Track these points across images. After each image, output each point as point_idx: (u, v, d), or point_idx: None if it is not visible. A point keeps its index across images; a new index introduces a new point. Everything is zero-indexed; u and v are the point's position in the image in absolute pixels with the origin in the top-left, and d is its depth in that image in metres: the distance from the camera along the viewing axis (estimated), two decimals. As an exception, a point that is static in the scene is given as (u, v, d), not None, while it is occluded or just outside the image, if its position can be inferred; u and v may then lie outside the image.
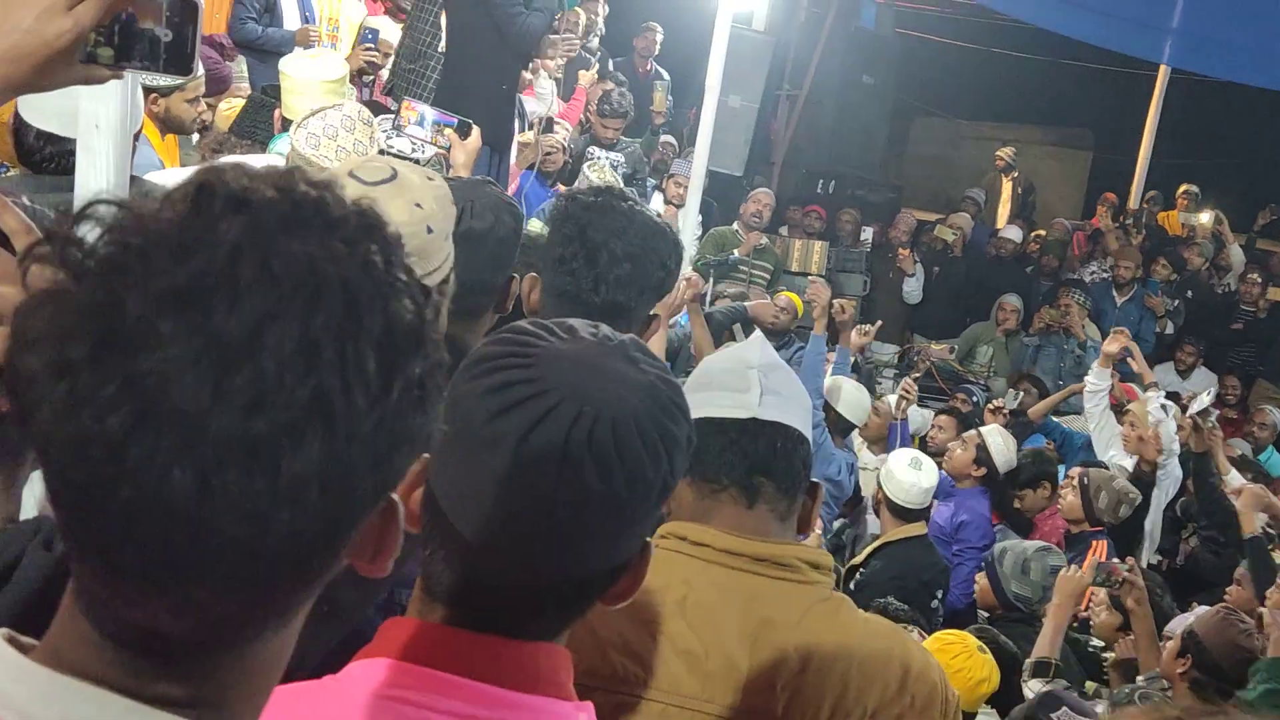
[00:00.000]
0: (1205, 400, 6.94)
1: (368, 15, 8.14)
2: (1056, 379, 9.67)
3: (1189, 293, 11.66)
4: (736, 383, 1.89)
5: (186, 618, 0.80)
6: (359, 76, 6.89)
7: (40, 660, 0.84)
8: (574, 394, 1.16)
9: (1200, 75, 12.13)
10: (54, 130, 2.66)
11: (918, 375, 9.00)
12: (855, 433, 7.24)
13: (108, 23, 1.46)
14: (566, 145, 8.47)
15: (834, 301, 7.00)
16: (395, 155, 3.87)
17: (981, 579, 5.41)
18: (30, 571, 1.32)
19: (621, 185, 7.08)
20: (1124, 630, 4.94)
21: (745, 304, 7.81)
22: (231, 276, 0.75)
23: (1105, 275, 11.47)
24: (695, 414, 1.86)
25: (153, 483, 0.74)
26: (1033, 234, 12.72)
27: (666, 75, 11.19)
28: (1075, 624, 5.06)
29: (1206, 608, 4.98)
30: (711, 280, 8.17)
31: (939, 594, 5.35)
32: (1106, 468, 6.61)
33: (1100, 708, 3.97)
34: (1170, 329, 11.20)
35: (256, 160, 3.62)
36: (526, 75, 7.96)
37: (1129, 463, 6.96)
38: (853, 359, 7.38)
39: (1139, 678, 4.57)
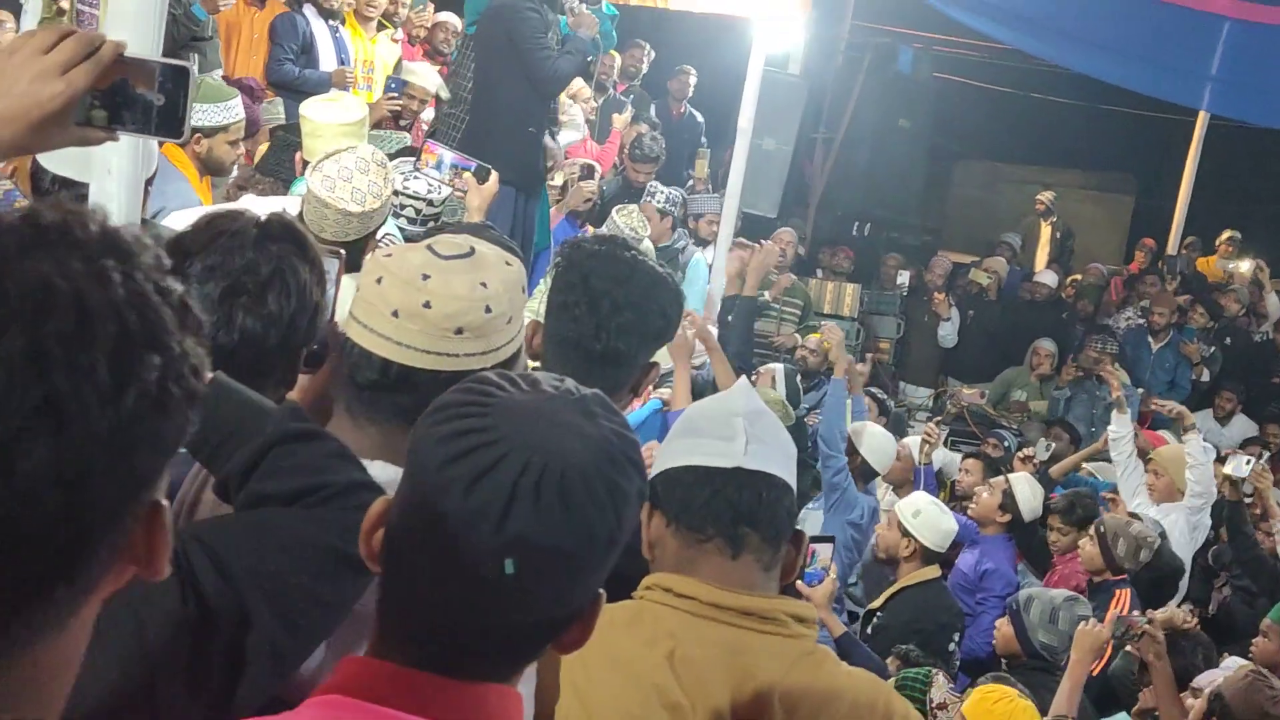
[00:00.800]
0: (1244, 468, 6.92)
1: (403, 59, 8.25)
2: (1089, 426, 9.61)
3: (1226, 340, 11.57)
4: (722, 430, 1.90)
5: None
6: (395, 121, 6.98)
7: None
8: (524, 445, 1.19)
9: (1239, 122, 12.07)
10: (69, 175, 2.73)
11: (941, 419, 8.97)
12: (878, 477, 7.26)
13: (103, 87, 1.53)
14: (601, 188, 8.55)
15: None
16: (410, 196, 3.93)
17: (1004, 625, 5.32)
18: None
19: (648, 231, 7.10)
20: (1145, 681, 4.90)
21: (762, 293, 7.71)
22: None
23: (1141, 321, 11.41)
24: (680, 461, 1.90)
25: None
26: (1069, 279, 12.68)
27: (701, 118, 11.27)
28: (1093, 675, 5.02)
29: (1237, 660, 4.95)
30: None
31: (956, 637, 5.34)
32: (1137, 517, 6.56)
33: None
34: (1206, 376, 11.11)
35: (277, 202, 3.69)
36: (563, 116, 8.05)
37: (1154, 511, 6.92)
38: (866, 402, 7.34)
39: None
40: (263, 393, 1.87)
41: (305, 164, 4.56)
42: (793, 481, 1.94)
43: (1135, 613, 5.16)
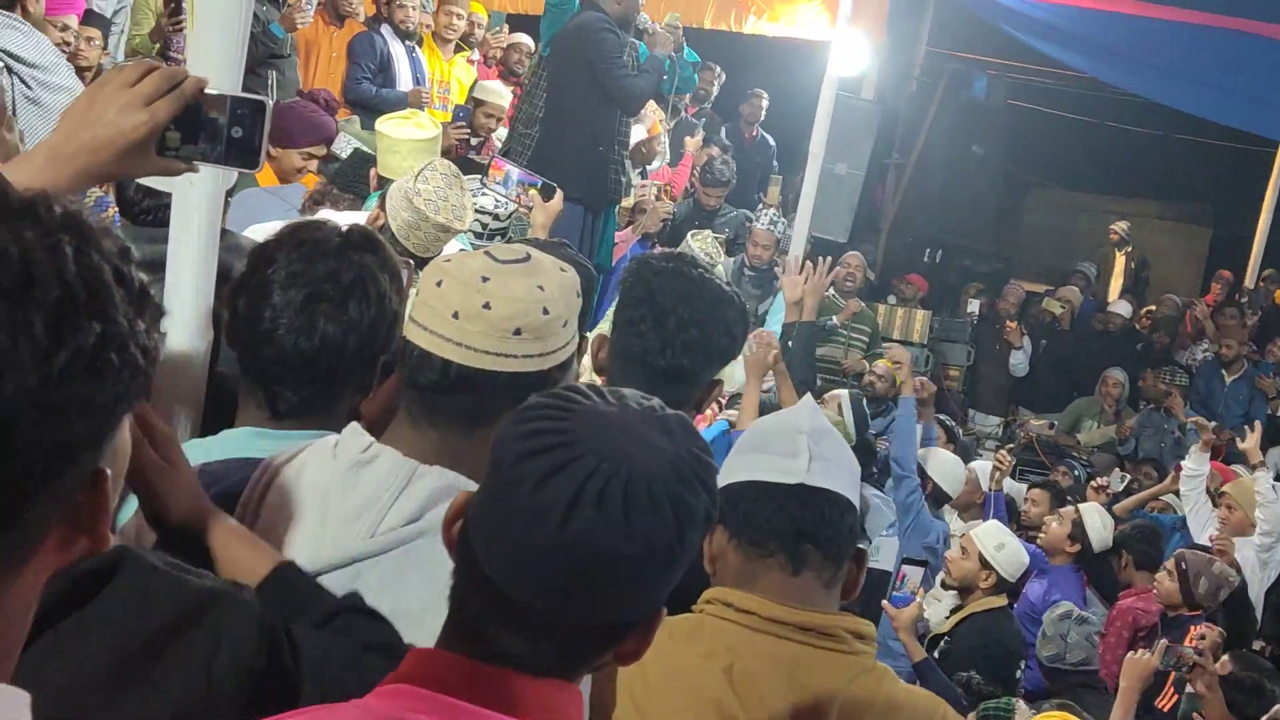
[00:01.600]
0: None
1: (479, 79, 8.33)
2: (1158, 460, 9.49)
3: (1305, 374, 11.38)
4: (786, 447, 1.91)
5: None
6: (465, 145, 7.05)
7: None
8: (596, 451, 1.21)
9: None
10: (153, 185, 2.78)
11: (1013, 446, 8.89)
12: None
13: (184, 119, 1.62)
14: (672, 211, 8.58)
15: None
16: (477, 210, 3.98)
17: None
18: None
19: (722, 258, 7.12)
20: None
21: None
22: None
23: (1214, 353, 11.25)
24: (744, 476, 1.90)
25: None
26: (1144, 310, 12.54)
27: (773, 142, 11.27)
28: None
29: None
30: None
31: (1021, 665, 5.31)
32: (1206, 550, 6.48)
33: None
34: (1283, 411, 10.93)
35: (351, 216, 3.76)
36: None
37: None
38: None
39: None
40: (340, 399, 1.90)
41: (380, 179, 4.63)
42: (856, 500, 1.94)
43: (1188, 644, 5.09)
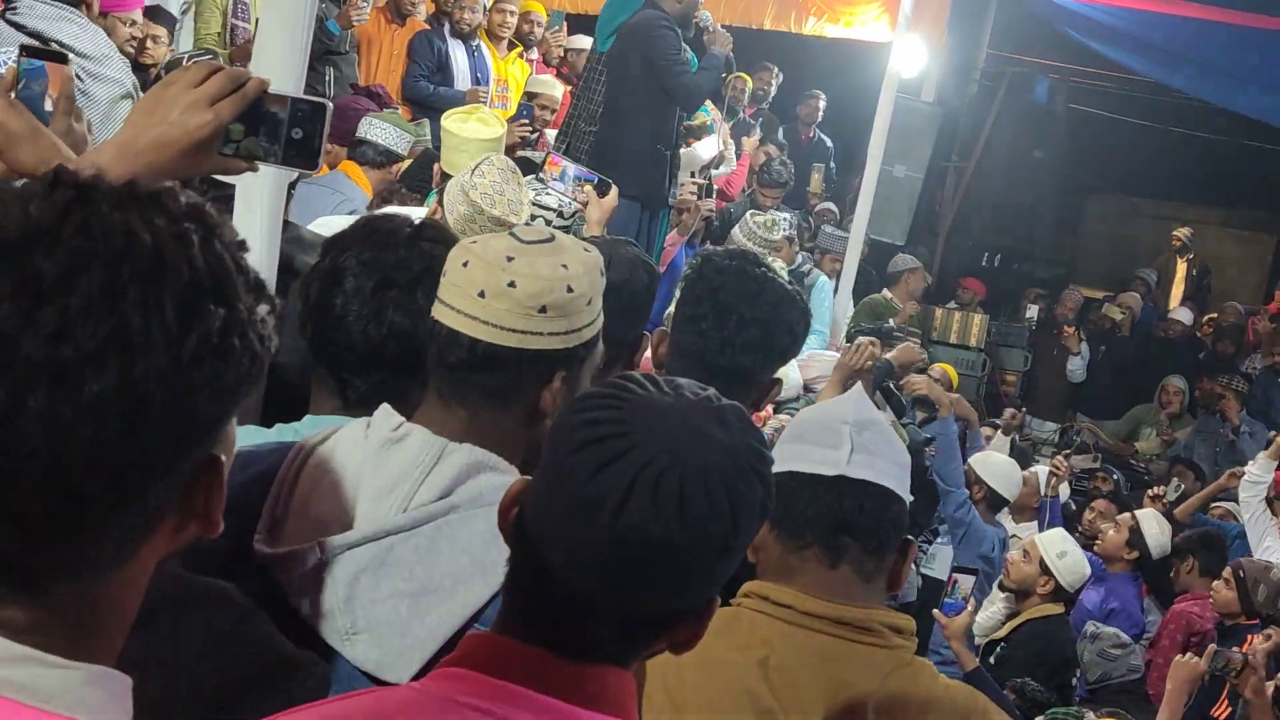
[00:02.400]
0: None
1: (536, 75, 8.35)
2: (1212, 465, 9.37)
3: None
4: (828, 438, 1.89)
5: (9, 530, 0.91)
6: (520, 143, 7.08)
7: None
8: (651, 441, 1.22)
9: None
10: (217, 176, 2.82)
11: (1070, 452, 8.82)
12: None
13: (247, 120, 1.66)
14: (730, 211, 8.56)
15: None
16: (542, 208, 3.99)
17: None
18: None
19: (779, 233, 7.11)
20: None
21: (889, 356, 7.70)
22: (55, 232, 0.91)
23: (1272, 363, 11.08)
24: (784, 466, 1.89)
25: None
26: (1205, 318, 12.39)
27: (830, 143, 11.23)
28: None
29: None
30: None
31: (1077, 672, 5.28)
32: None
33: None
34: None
35: (409, 212, 3.79)
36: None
37: None
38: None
39: None
40: (411, 388, 1.92)
41: (444, 175, 4.64)
42: (903, 492, 1.91)
43: (1234, 650, 5.02)
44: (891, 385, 5.64)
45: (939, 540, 5.99)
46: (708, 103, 7.72)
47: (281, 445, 1.85)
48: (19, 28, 4.35)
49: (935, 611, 4.90)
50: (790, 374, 5.43)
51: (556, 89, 7.85)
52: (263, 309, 1.01)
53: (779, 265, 6.87)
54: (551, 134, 7.53)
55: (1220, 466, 9.11)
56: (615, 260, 2.64)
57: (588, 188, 4.09)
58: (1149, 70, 11.50)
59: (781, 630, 1.83)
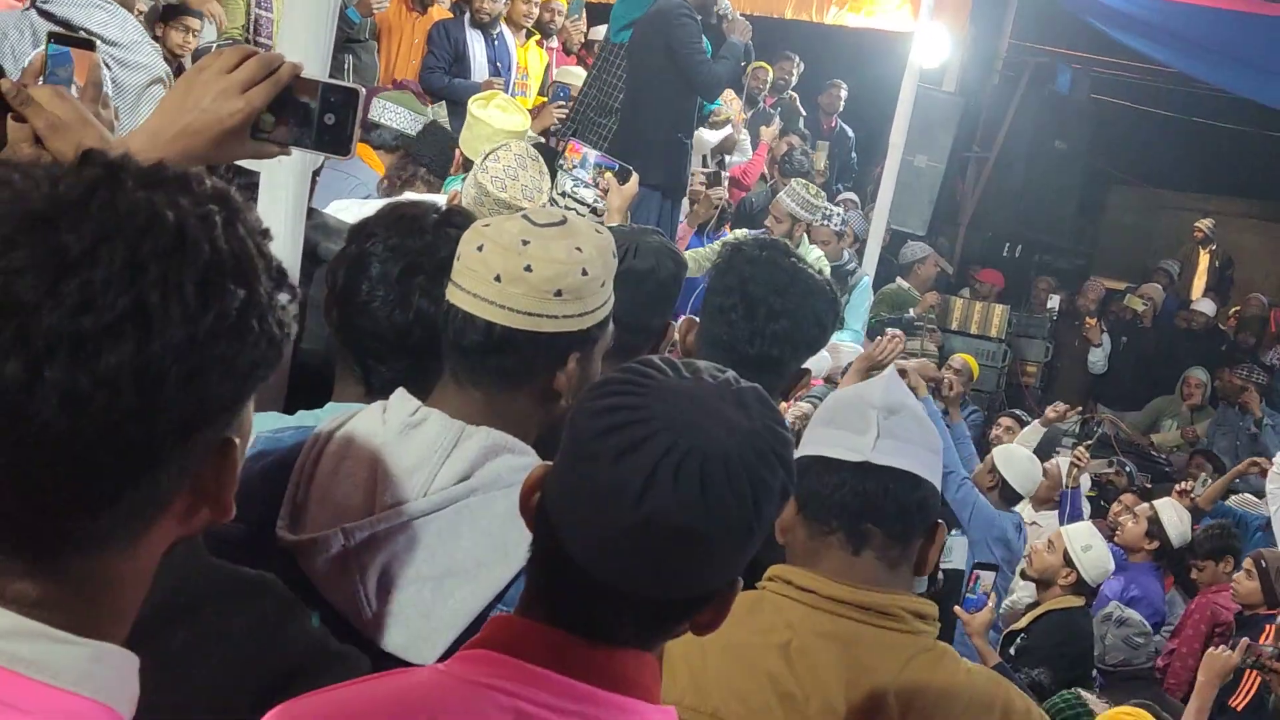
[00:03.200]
0: None
1: (557, 65, 8.35)
2: (1233, 458, 9.32)
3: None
4: (855, 423, 1.88)
5: (23, 501, 0.92)
6: (548, 132, 7.07)
7: None
8: (672, 427, 1.22)
9: None
10: (242, 162, 2.83)
11: (1091, 443, 8.78)
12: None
13: (279, 105, 1.66)
14: (751, 200, 8.55)
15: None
16: (577, 201, 3.99)
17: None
18: None
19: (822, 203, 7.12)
20: None
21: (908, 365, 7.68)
22: (82, 206, 0.92)
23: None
24: (813, 449, 1.89)
25: None
26: (1231, 310, 12.33)
27: (851, 133, 11.20)
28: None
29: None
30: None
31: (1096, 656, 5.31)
32: None
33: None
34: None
35: (429, 199, 3.80)
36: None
37: None
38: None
39: None
40: (433, 377, 1.93)
41: (465, 160, 4.62)
42: (934, 477, 1.90)
43: (1266, 643, 5.03)
44: None
45: (954, 532, 5.96)
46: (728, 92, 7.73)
47: (300, 433, 1.86)
48: (49, 16, 4.36)
49: (957, 608, 4.89)
50: (823, 358, 5.44)
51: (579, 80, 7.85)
52: (283, 297, 1.02)
53: (814, 254, 6.90)
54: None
55: (1241, 459, 9.07)
56: (641, 249, 2.64)
57: (608, 175, 4.09)
58: (1172, 61, 11.44)
59: (804, 614, 1.83)
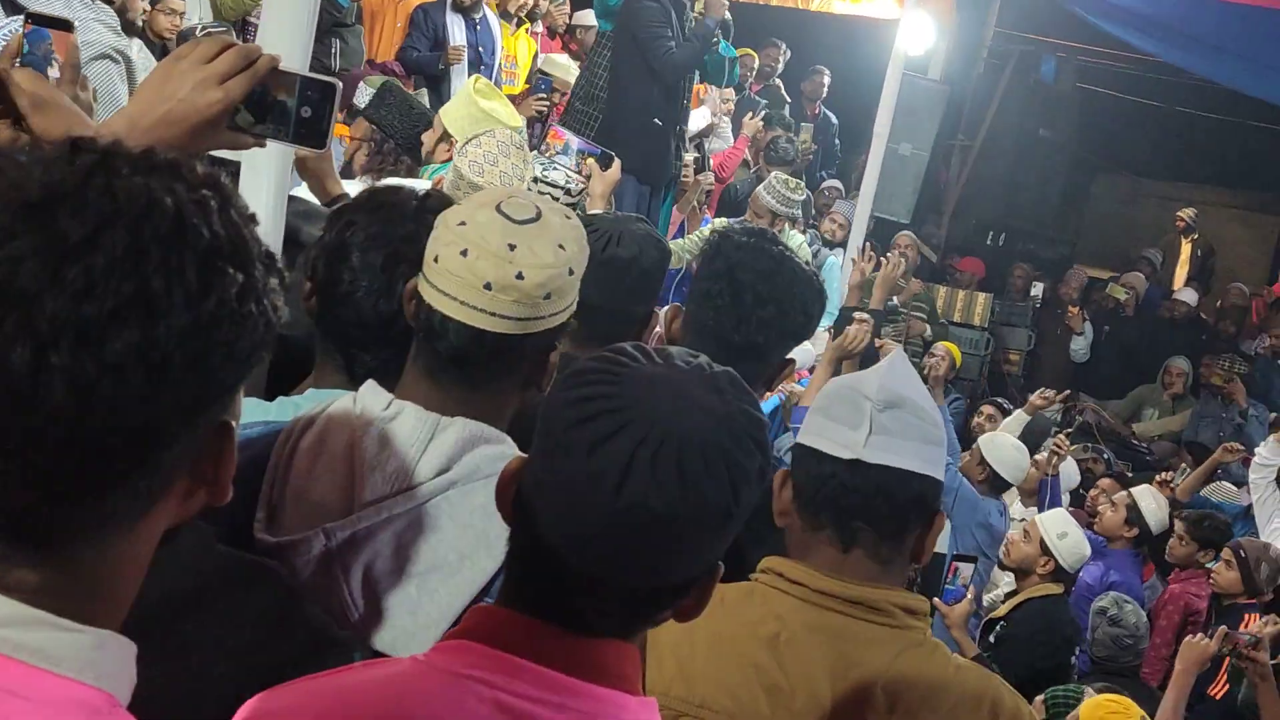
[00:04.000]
0: None
1: (542, 53, 8.35)
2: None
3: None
4: (849, 416, 1.84)
5: (30, 488, 0.93)
6: (536, 117, 7.06)
7: None
8: (647, 416, 1.21)
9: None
10: (221, 153, 2.82)
11: (1072, 432, 8.82)
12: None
13: (257, 97, 1.65)
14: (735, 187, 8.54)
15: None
16: (549, 184, 3.98)
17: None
18: None
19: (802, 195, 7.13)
20: None
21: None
22: (80, 193, 0.93)
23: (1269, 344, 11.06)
24: (805, 439, 1.87)
25: None
26: (1213, 300, 12.36)
27: (835, 119, 11.20)
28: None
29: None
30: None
31: (1077, 651, 5.31)
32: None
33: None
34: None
35: (413, 184, 3.77)
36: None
37: None
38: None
39: None
40: None
41: (444, 135, 4.50)
42: (933, 469, 1.86)
43: (1244, 631, 5.05)
44: None
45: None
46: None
47: (270, 429, 1.83)
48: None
49: (935, 600, 4.91)
50: (806, 350, 5.44)
51: (571, 72, 7.83)
52: (273, 280, 1.03)
53: (797, 240, 6.90)
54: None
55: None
56: (625, 237, 2.63)
57: (590, 161, 4.08)
58: (1157, 50, 11.45)
59: (794, 606, 1.83)
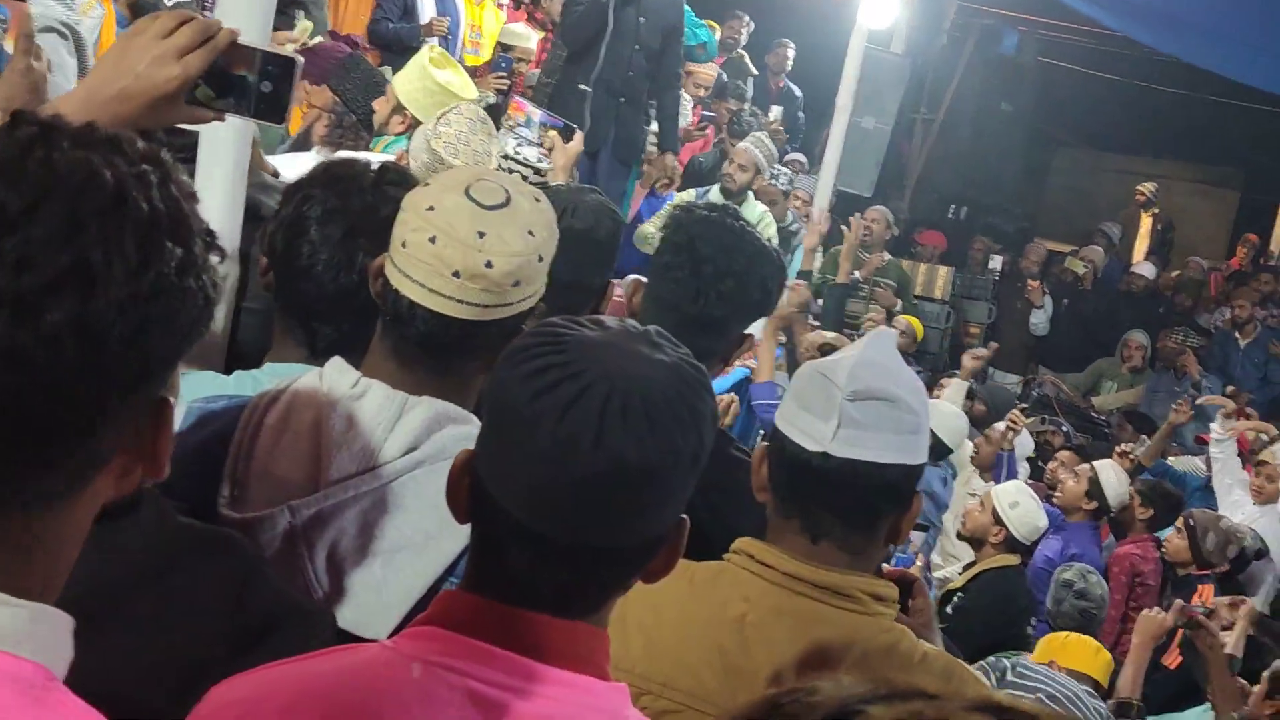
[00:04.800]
0: None
1: (507, 23, 8.30)
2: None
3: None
4: (819, 406, 1.80)
5: None
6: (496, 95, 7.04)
7: None
8: (604, 374, 1.23)
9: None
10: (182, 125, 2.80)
11: (1027, 407, 8.90)
12: (968, 460, 7.23)
13: (216, 71, 1.65)
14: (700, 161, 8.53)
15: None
16: (520, 162, 3.97)
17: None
18: None
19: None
20: None
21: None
22: (18, 165, 0.93)
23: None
24: (780, 423, 1.86)
25: None
26: (1174, 274, 12.45)
27: (799, 92, 11.20)
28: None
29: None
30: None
31: (1033, 621, 5.36)
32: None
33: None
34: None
35: (373, 158, 3.76)
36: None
37: (1253, 510, 6.82)
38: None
39: None
40: (372, 337, 1.92)
41: (399, 106, 4.45)
42: (909, 457, 1.81)
43: (1197, 602, 5.15)
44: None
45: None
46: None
47: (234, 404, 1.83)
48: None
49: (885, 567, 4.94)
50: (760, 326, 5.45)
51: (530, 40, 7.80)
52: (214, 257, 1.03)
53: (758, 210, 6.90)
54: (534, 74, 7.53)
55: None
56: (580, 208, 2.64)
57: (552, 133, 4.08)
58: (1118, 25, 11.48)
59: (763, 589, 1.82)
